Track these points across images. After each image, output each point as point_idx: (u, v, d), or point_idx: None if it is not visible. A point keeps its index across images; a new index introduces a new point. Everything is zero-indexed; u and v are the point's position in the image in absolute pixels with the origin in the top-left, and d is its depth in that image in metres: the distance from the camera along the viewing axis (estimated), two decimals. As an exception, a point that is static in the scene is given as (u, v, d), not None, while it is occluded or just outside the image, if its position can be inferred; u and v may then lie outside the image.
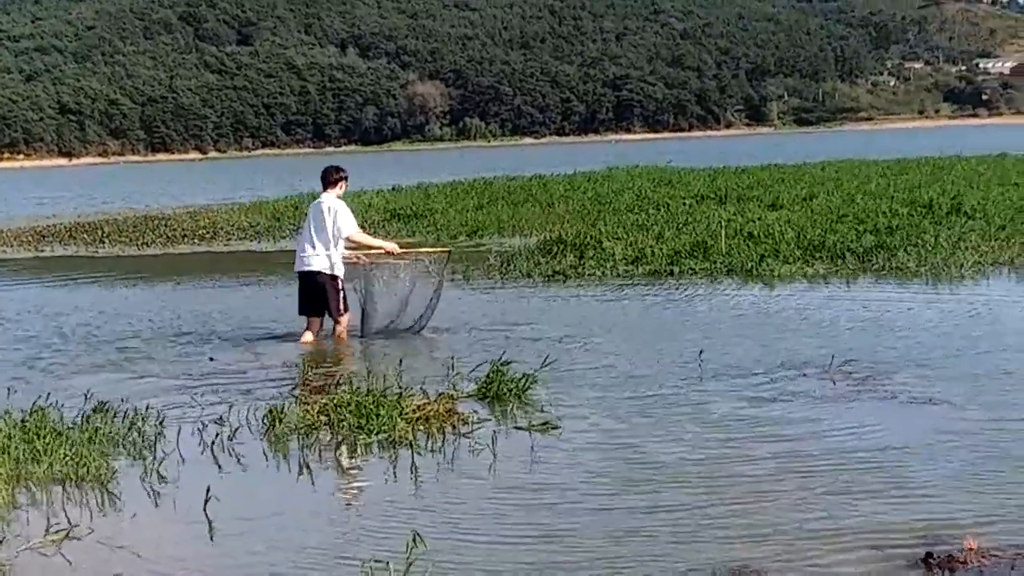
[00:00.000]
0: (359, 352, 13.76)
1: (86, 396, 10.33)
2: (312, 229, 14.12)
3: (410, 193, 41.34)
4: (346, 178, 14.61)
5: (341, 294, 14.15)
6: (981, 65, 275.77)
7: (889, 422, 9.23)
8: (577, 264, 20.06)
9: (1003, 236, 20.53)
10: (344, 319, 14.24)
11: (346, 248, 14.26)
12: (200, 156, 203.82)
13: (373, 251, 14.56)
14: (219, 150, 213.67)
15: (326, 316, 14.23)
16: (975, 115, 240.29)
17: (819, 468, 8.09)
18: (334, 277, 14.08)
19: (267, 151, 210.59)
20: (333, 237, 14.02)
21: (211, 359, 13.16)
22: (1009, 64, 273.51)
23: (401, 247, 15.00)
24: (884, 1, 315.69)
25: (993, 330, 13.02)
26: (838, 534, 6.78)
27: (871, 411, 9.61)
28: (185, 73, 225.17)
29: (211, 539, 7.19)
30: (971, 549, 6.32)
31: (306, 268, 14.12)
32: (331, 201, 14.17)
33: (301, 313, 14.33)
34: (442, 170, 71.17)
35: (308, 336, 14.14)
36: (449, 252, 15.42)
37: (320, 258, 14.05)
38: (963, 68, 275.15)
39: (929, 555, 6.32)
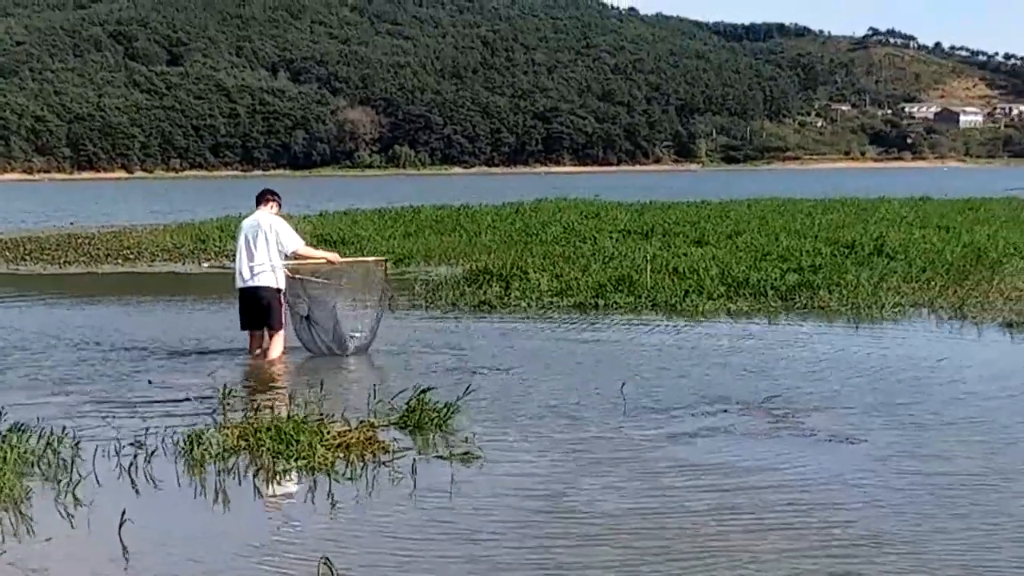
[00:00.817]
0: (289, 373, 13.73)
1: (1, 415, 10.18)
2: (253, 246, 14.38)
3: (337, 219, 41.21)
4: (279, 201, 15.04)
5: (283, 308, 14.46)
6: (906, 109, 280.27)
7: (808, 460, 9.28)
8: (503, 295, 20.07)
9: (924, 278, 20.74)
10: (278, 344, 14.43)
11: (286, 261, 14.62)
12: (126, 175, 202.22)
13: (315, 262, 14.92)
14: (146, 170, 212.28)
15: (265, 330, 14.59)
16: (899, 158, 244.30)
17: (737, 506, 8.12)
18: (278, 291, 14.41)
19: (195, 172, 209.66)
20: (278, 253, 14.36)
21: (150, 382, 12.99)
22: (933, 109, 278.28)
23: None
24: (812, 43, 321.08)
25: (912, 371, 13.13)
26: (749, 571, 6.81)
27: (791, 448, 9.67)
28: (113, 92, 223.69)
29: (126, 562, 7.11)
30: (885, 588, 6.37)
31: (251, 284, 14.38)
32: (269, 219, 14.54)
33: (244, 328, 14.69)
34: (370, 197, 71.08)
35: (256, 350, 14.59)
36: (387, 261, 16.17)
37: (265, 274, 14.33)
38: (889, 112, 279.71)
39: (843, 593, 6.37)
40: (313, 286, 14.74)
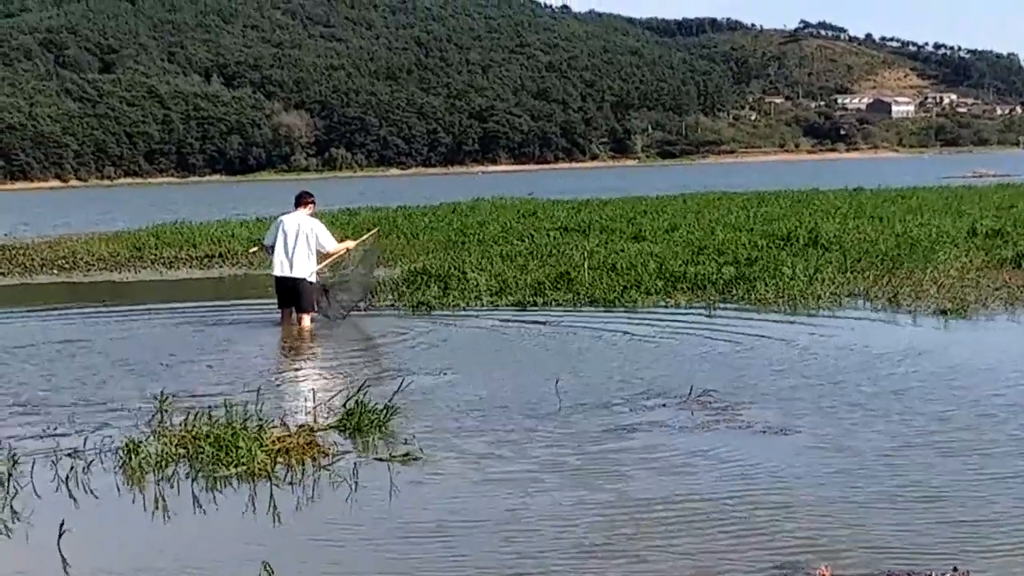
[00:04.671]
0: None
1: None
2: (293, 242, 17.55)
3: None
4: (314, 201, 18.43)
5: (314, 295, 17.67)
6: (839, 101, 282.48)
7: (744, 452, 9.36)
8: (441, 295, 20.09)
9: (858, 268, 20.95)
10: (309, 315, 17.56)
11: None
12: (61, 184, 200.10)
13: (339, 254, 18.31)
14: (80, 179, 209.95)
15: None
16: (833, 149, 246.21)
17: (672, 497, 8.18)
18: (311, 282, 17.59)
19: (130, 180, 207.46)
20: (312, 250, 17.65)
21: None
22: (866, 100, 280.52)
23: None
24: (745, 37, 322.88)
25: (847, 362, 13.25)
26: (691, 563, 6.87)
27: (727, 441, 9.74)
28: (45, 100, 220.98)
29: (65, 574, 7.07)
30: (823, 576, 6.43)
31: (288, 274, 17.52)
32: (310, 221, 17.87)
33: (280, 307, 17.98)
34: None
35: (287, 323, 17.76)
36: (379, 229, 20.32)
37: (301, 267, 17.52)
38: (822, 103, 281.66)
39: (782, 582, 6.43)
40: (344, 275, 18.42)
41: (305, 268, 17.57)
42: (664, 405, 11.14)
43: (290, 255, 17.56)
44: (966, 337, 15.02)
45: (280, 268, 17.68)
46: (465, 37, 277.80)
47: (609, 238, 28.61)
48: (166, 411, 10.87)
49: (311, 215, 18.14)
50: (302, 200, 18.26)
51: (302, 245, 17.60)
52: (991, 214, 31.63)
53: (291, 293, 17.69)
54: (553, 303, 19.07)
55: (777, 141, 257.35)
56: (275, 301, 18.44)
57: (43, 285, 26.98)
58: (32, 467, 9.18)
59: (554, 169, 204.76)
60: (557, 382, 12.05)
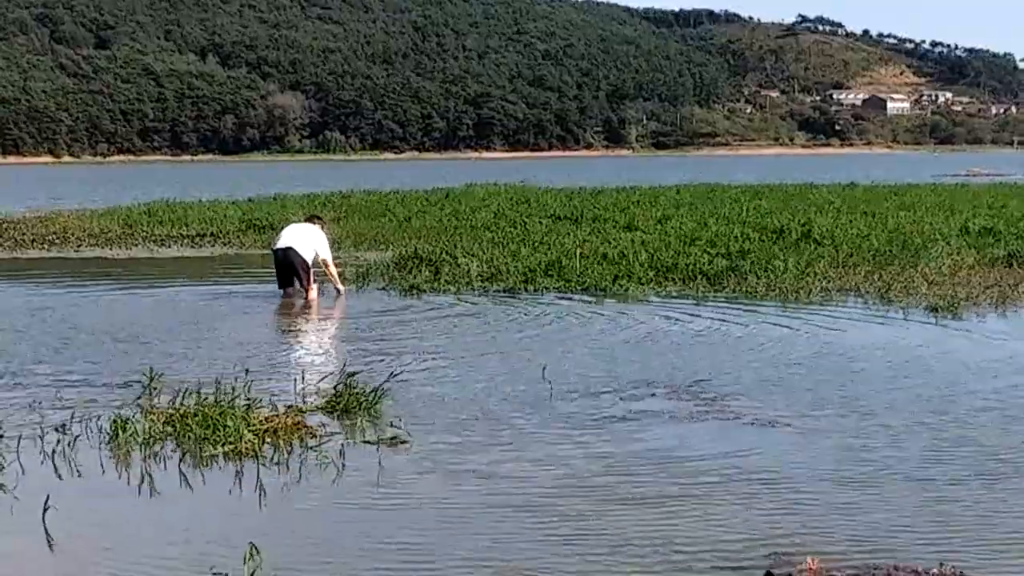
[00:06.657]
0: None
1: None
2: (300, 234, 19.12)
3: (267, 204, 40.97)
4: (324, 223, 20.76)
5: (311, 276, 18.74)
6: (835, 96, 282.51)
7: (733, 443, 9.35)
8: (432, 280, 20.06)
9: (850, 263, 20.95)
10: (313, 291, 18.61)
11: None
12: (53, 160, 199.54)
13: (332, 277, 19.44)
14: (73, 155, 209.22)
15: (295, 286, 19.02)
16: (828, 144, 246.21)
17: (663, 488, 8.17)
18: (305, 263, 18.74)
19: (123, 157, 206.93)
20: (310, 248, 18.93)
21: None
22: (861, 96, 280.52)
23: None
24: (742, 30, 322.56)
25: (835, 355, 13.25)
26: (680, 554, 6.85)
27: (716, 431, 9.74)
28: (39, 75, 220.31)
29: (50, 550, 7.06)
30: (811, 569, 6.41)
31: (284, 246, 18.89)
32: (317, 231, 19.47)
33: (280, 287, 19.09)
34: (300, 182, 70.71)
35: (288, 297, 18.85)
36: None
37: (304, 249, 18.81)
38: (817, 98, 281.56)
39: (769, 575, 6.41)
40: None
41: (301, 248, 18.79)
42: (653, 395, 11.12)
43: (289, 235, 19.12)
44: (956, 333, 14.98)
45: (277, 243, 19.28)
46: (462, 23, 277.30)
47: (601, 227, 28.59)
48: (154, 388, 10.84)
49: (321, 229, 19.81)
50: (313, 218, 20.74)
51: (302, 237, 19.06)
52: (984, 212, 31.66)
53: (287, 268, 18.87)
54: (544, 290, 19.05)
55: (772, 134, 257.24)
56: (269, 278, 19.68)
57: (33, 260, 26.92)
58: (18, 442, 9.13)
59: (548, 157, 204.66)
60: (544, 369, 12.04)
